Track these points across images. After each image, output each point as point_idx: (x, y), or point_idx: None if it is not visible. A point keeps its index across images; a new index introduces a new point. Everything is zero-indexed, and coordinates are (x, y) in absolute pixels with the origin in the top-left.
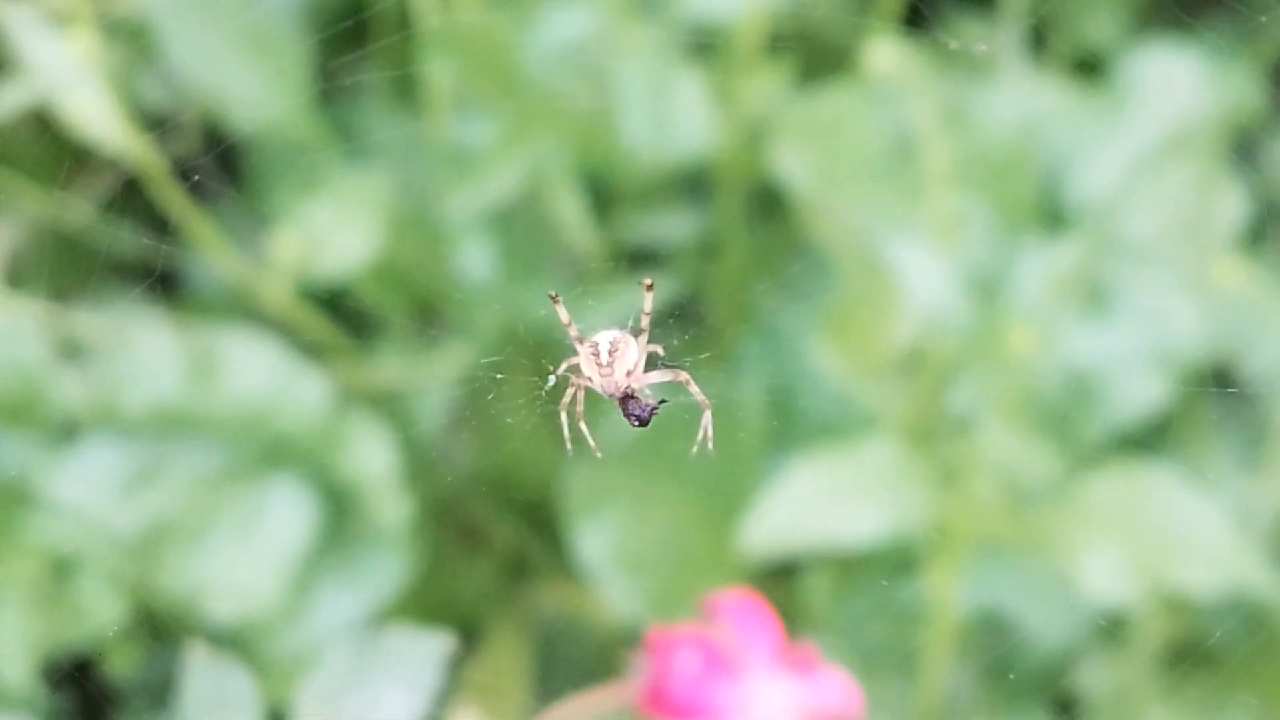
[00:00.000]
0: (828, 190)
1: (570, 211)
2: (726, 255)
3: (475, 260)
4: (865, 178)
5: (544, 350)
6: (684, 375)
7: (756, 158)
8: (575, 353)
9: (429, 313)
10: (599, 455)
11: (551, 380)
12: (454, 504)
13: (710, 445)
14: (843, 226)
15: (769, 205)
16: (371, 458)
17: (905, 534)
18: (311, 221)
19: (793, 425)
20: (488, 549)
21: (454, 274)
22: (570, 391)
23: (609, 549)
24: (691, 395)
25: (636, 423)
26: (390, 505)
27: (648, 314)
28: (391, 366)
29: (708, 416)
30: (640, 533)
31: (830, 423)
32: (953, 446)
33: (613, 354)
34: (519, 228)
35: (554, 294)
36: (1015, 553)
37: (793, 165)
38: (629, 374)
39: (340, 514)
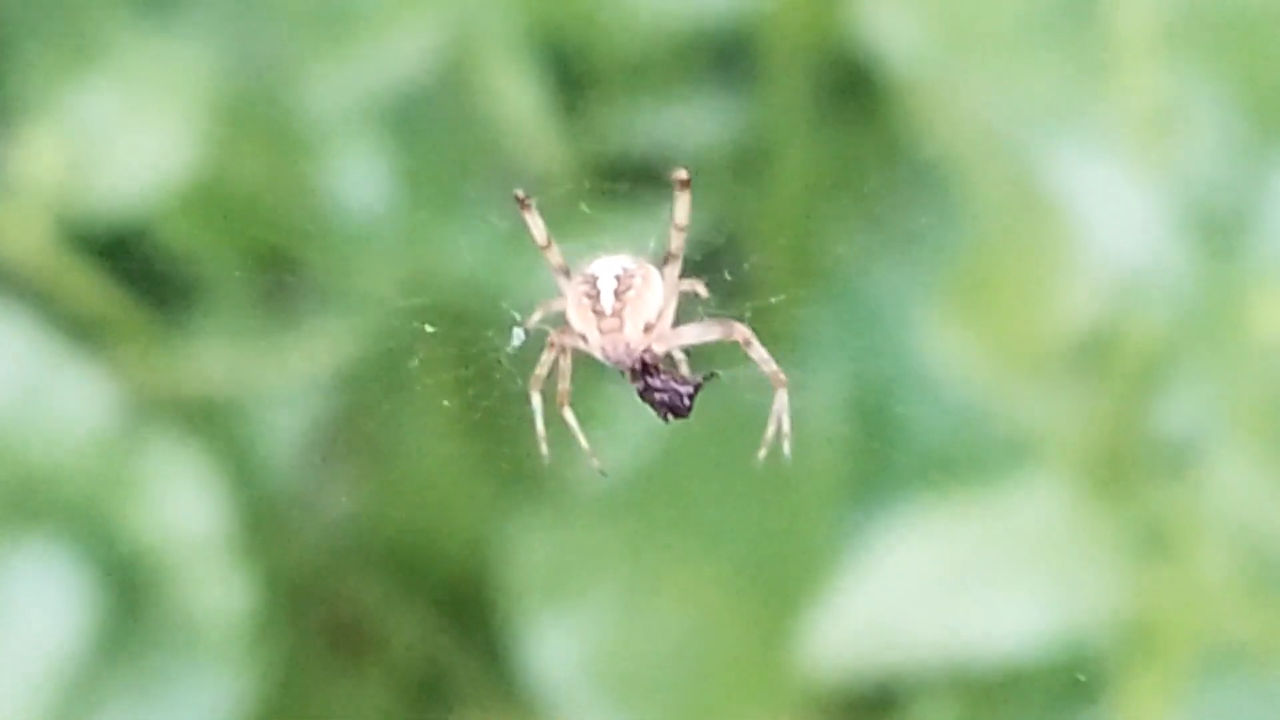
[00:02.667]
0: (951, 67)
1: (519, 100)
2: (781, 173)
3: (360, 182)
4: (1014, 47)
5: (474, 325)
6: (742, 330)
7: (830, 15)
8: (558, 292)
9: (282, 269)
10: (596, 465)
11: (518, 337)
12: (325, 584)
13: (788, 447)
14: (976, 128)
15: (850, 92)
16: (183, 509)
17: (1083, 636)
18: (85, 116)
19: (891, 451)
20: (380, 659)
21: (325, 205)
22: (548, 358)
23: (583, 661)
24: (754, 363)
25: (665, 412)
26: (216, 588)
27: (681, 228)
28: (219, 358)
29: (782, 399)
30: (636, 634)
31: (954, 448)
32: (1163, 491)
33: (622, 294)
34: (433, 129)
35: (523, 195)
36: (1264, 663)
37: (893, 26)
38: (648, 328)
39: (133, 602)
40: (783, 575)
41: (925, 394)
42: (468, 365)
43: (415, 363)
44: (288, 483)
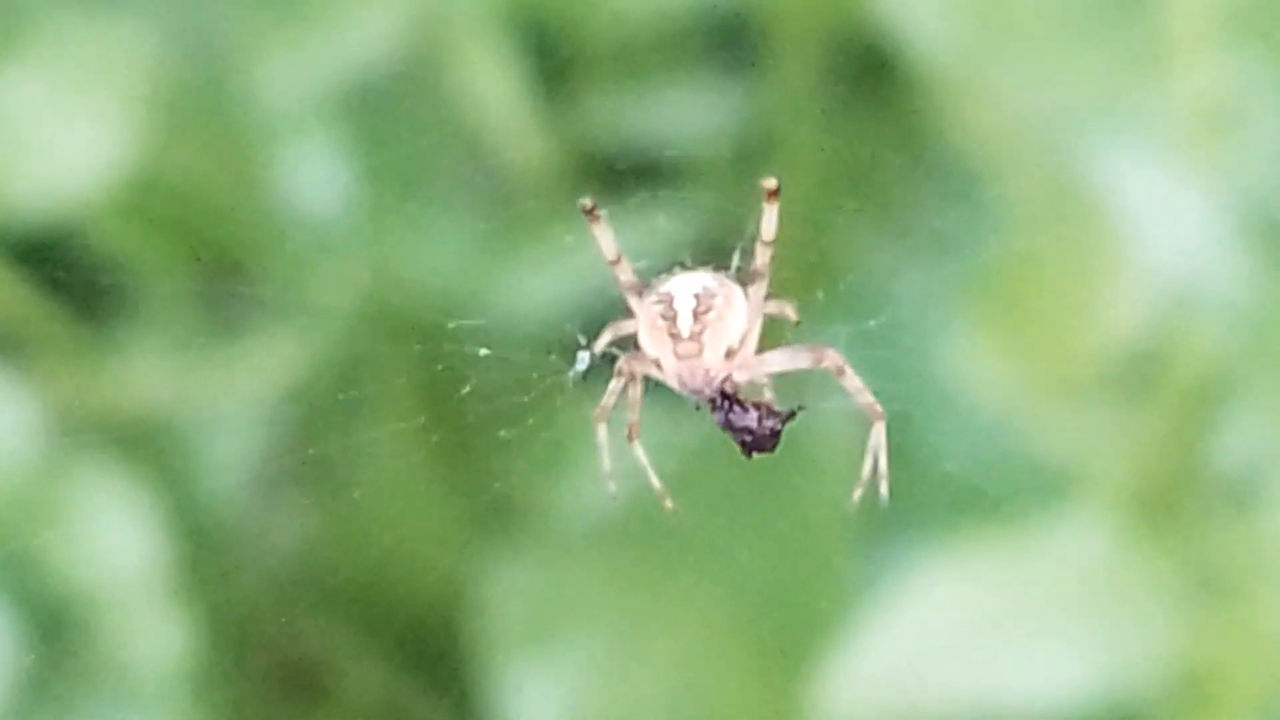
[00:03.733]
0: (983, 53)
1: (496, 88)
2: (788, 167)
3: (316, 180)
4: (1055, 33)
5: (443, 339)
6: (834, 356)
7: None
8: (626, 311)
9: (228, 276)
10: (669, 505)
11: (583, 362)
12: (275, 625)
13: (885, 489)
14: (1011, 120)
15: (866, 77)
16: (116, 543)
17: (1129, 689)
18: (8, 106)
19: (914, 481)
20: (337, 708)
21: (276, 205)
22: (616, 386)
23: (565, 714)
24: (848, 394)
25: (749, 444)
26: (153, 630)
27: (769, 242)
28: (156, 375)
29: (879, 434)
30: (626, 684)
31: (985, 479)
32: (1219, 530)
33: (702, 316)
34: (399, 121)
35: (590, 204)
36: None
37: (916, 6)
38: (730, 354)
39: (62, 645)
40: (791, 619)
41: (952, 417)
42: (437, 386)
43: (376, 380)
44: (233, 513)
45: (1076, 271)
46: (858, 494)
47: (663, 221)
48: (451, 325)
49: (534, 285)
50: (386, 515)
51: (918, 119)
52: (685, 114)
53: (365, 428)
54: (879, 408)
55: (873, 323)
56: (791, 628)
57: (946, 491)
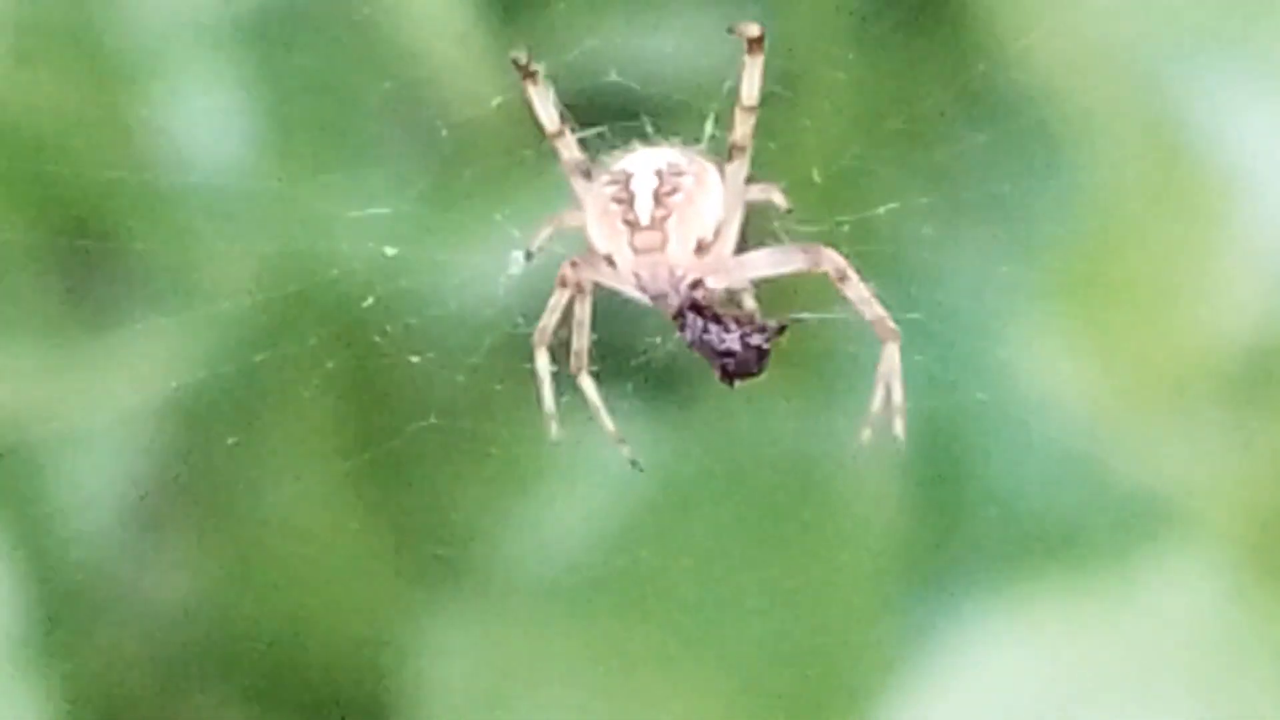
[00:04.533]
0: None
1: (438, 10)
2: (812, 110)
3: (205, 123)
4: None
5: (368, 326)
6: (833, 257)
7: None
8: (573, 197)
9: (93, 246)
10: (627, 453)
11: (517, 261)
12: (153, 702)
13: (900, 426)
14: (1095, 55)
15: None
16: None
17: None
18: None
19: (968, 514)
20: None
21: (155, 154)
22: (558, 299)
23: None
24: (853, 304)
25: (728, 369)
26: None
27: (750, 107)
28: (1, 380)
29: (892, 357)
30: None
31: (1060, 511)
32: None
33: (666, 198)
34: (311, 51)
35: (525, 59)
36: None
37: None
38: (701, 248)
39: None
40: (809, 693)
41: (1018, 434)
42: (362, 386)
43: (284, 385)
44: (100, 557)
45: (1177, 247)
46: (866, 432)
47: None
48: (385, 325)
49: (483, 264)
50: (296, 558)
51: (973, 50)
52: (682, 44)
53: (270, 446)
54: (891, 323)
55: (917, 314)
56: (809, 704)
57: (1010, 527)
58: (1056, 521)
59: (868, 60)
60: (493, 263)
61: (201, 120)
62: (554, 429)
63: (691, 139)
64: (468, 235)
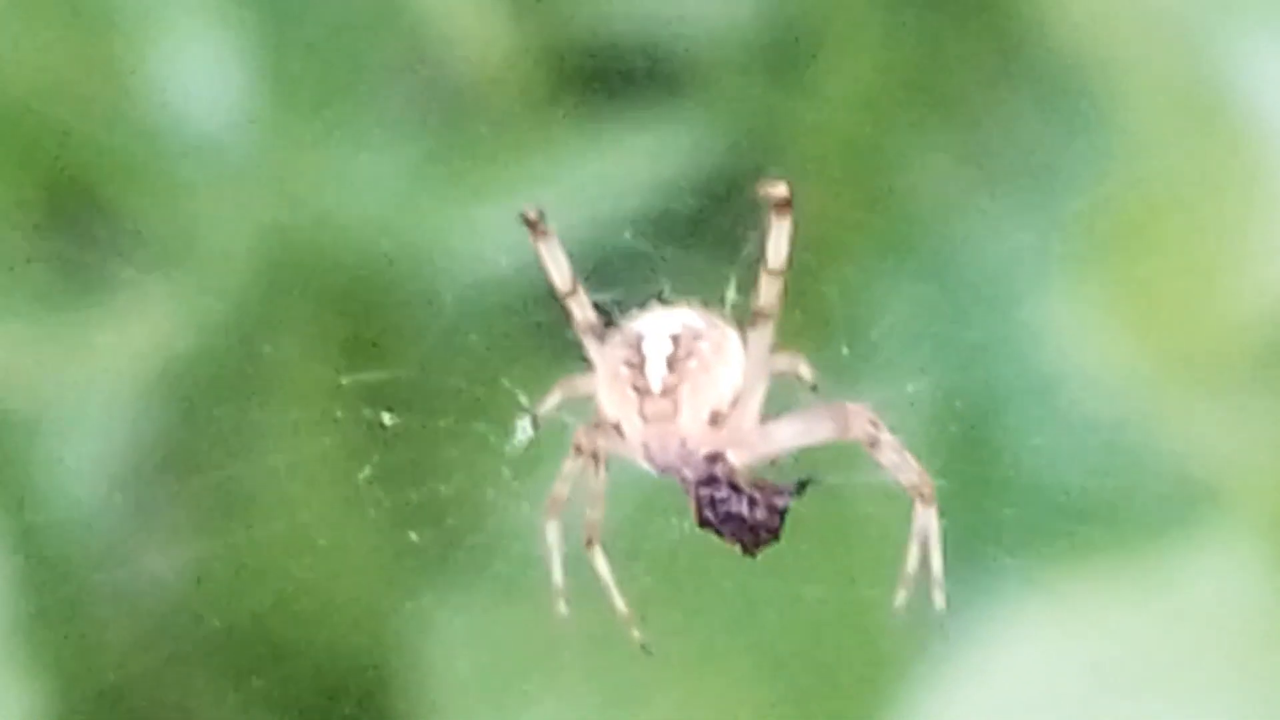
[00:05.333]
0: None
1: None
2: (836, 73)
3: (203, 80)
4: None
5: (377, 291)
6: (862, 422)
7: None
8: (586, 359)
9: (84, 212)
10: (638, 638)
11: (523, 431)
12: (146, 691)
13: (940, 598)
14: (1132, 10)
15: None
16: None
17: None
18: None
19: (998, 495)
20: None
21: (149, 114)
22: (572, 468)
23: None
24: (885, 470)
25: (746, 540)
26: None
27: (776, 272)
28: None
29: (929, 521)
30: None
31: (1094, 492)
32: None
33: (679, 364)
34: (312, 6)
35: (535, 215)
36: None
37: None
38: (716, 419)
39: None
40: (833, 680)
41: (1050, 410)
42: (362, 357)
43: (281, 356)
44: (89, 538)
45: (1214, 214)
46: (901, 596)
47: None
48: (387, 292)
49: (492, 234)
50: (294, 539)
51: (1003, 8)
52: (701, 2)
53: (268, 420)
54: (928, 488)
55: (947, 277)
56: (827, 690)
57: (1041, 509)
58: (1088, 501)
59: (897, 21)
60: (495, 225)
61: (198, 80)
62: (562, 607)
63: (715, 301)
64: (469, 199)
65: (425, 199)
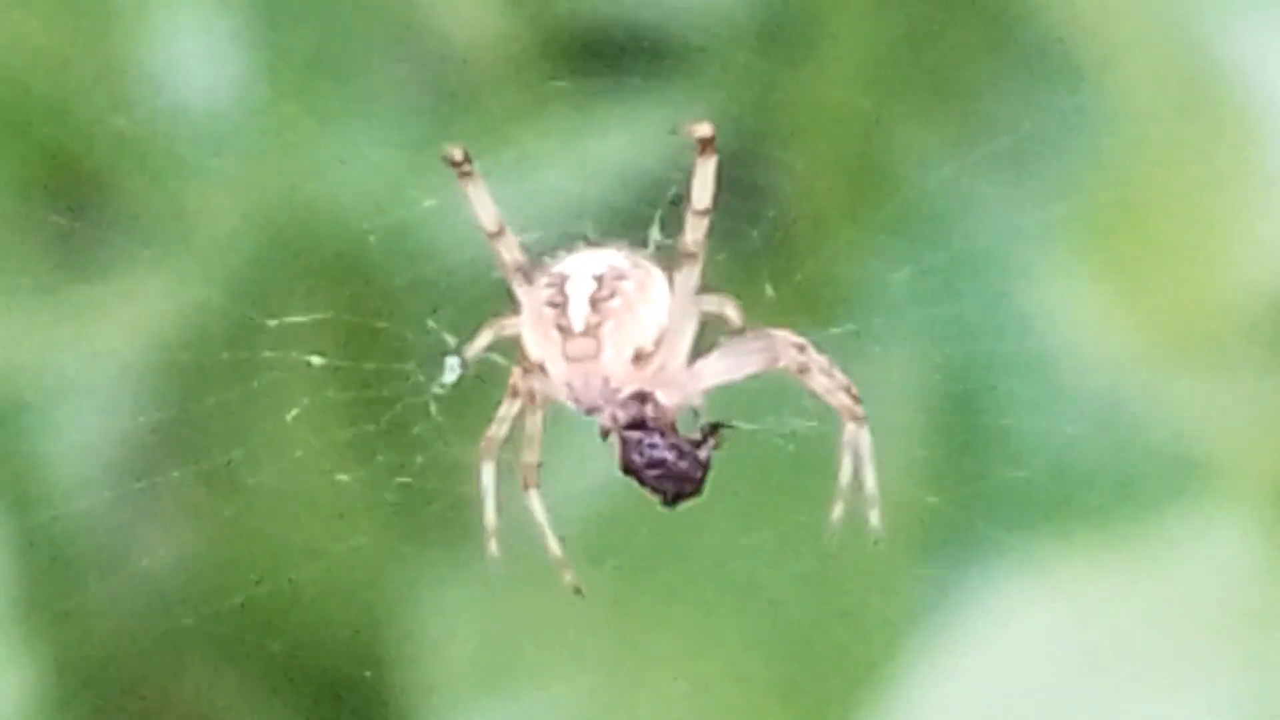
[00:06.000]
0: None
1: None
2: (831, 47)
3: (197, 61)
4: None
5: (371, 271)
6: (790, 349)
7: None
8: (513, 302)
9: (80, 192)
10: (570, 580)
11: (452, 369)
12: (141, 673)
13: (875, 516)
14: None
15: None
16: None
17: None
18: None
19: (990, 470)
20: None
21: (144, 95)
22: (508, 409)
23: None
24: (816, 395)
25: (660, 483)
26: None
27: (701, 211)
28: None
29: (862, 440)
30: None
31: (1087, 467)
32: None
33: (602, 304)
34: None
35: (459, 155)
36: None
37: None
38: (640, 358)
39: None
40: (828, 657)
41: (1044, 385)
42: (361, 337)
43: (277, 335)
44: (86, 517)
45: (1207, 191)
46: (838, 510)
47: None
48: (385, 271)
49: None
50: (292, 519)
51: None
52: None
53: (264, 400)
54: (860, 408)
55: (940, 255)
56: (825, 666)
57: (1034, 485)
58: (1083, 477)
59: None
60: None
61: (194, 63)
62: (494, 547)
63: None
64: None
65: (415, 175)
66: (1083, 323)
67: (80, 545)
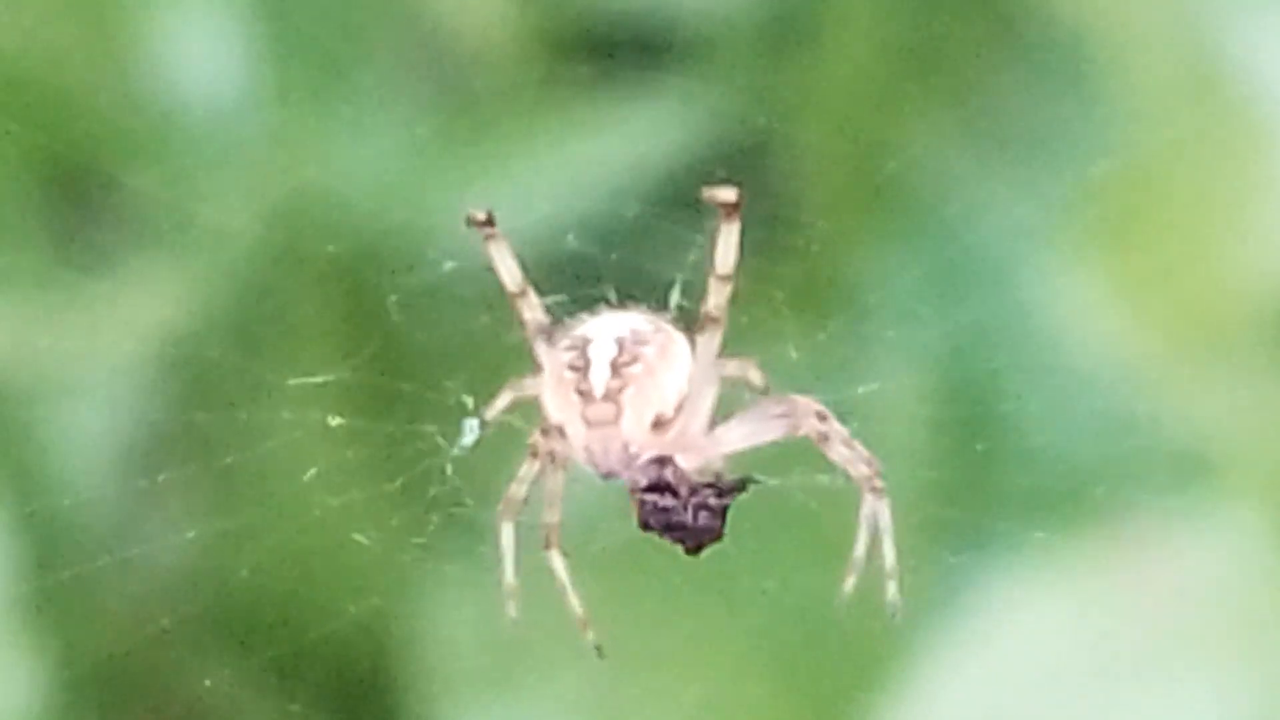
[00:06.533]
0: None
1: None
2: (838, 45)
3: (205, 60)
4: None
5: (379, 271)
6: (811, 419)
7: None
8: (534, 363)
9: (88, 190)
10: (591, 640)
11: (470, 431)
12: (152, 668)
13: (893, 590)
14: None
15: None
16: None
17: None
18: None
19: (996, 468)
20: None
21: (152, 94)
22: (528, 471)
23: None
24: (837, 465)
25: (680, 540)
26: None
27: (724, 276)
28: None
29: (882, 514)
30: None
31: (1095, 466)
32: None
33: (623, 369)
34: None
35: (483, 216)
36: None
37: None
38: (660, 425)
39: None
40: (838, 654)
41: (1051, 385)
42: (368, 335)
43: (286, 333)
44: (91, 514)
45: (1214, 187)
46: (850, 582)
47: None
48: (391, 269)
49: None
50: (299, 516)
51: None
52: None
53: (272, 398)
54: (879, 480)
55: (945, 257)
56: (830, 669)
57: (1039, 482)
58: (1089, 475)
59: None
60: (496, 200)
61: (200, 58)
62: (512, 609)
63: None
64: (471, 171)
65: (423, 174)
66: (1090, 320)
67: (84, 540)
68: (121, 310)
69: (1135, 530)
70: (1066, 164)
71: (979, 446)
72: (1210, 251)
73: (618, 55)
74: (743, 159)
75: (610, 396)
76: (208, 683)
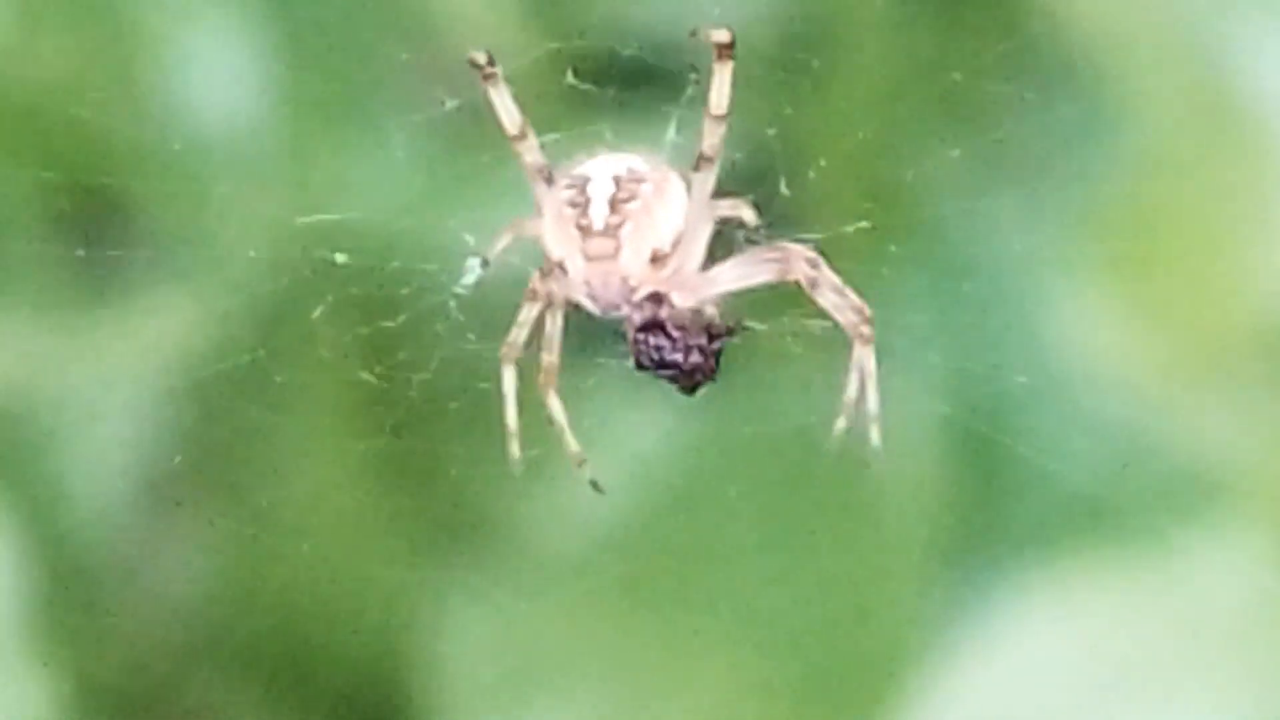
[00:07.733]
0: None
1: None
2: (850, 67)
3: (218, 79)
4: None
5: (392, 284)
6: (803, 265)
7: None
8: (534, 207)
9: (101, 210)
10: (588, 476)
11: (472, 270)
12: (163, 691)
13: (876, 434)
14: (1143, 9)
15: None
16: None
17: None
18: None
19: (1008, 486)
20: None
21: (165, 113)
22: (528, 314)
23: None
24: (825, 311)
25: (674, 380)
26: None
27: (719, 116)
28: (5, 347)
29: (866, 360)
30: None
31: (1104, 484)
32: None
33: (621, 204)
34: (327, 5)
35: (484, 59)
36: None
37: None
38: (658, 260)
39: None
40: (844, 671)
41: (1060, 403)
42: (382, 357)
43: (298, 357)
44: (108, 537)
45: (1222, 210)
46: (841, 424)
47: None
48: (404, 292)
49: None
50: (311, 536)
51: (1018, 4)
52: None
53: (284, 419)
54: (867, 327)
55: (955, 278)
56: (844, 683)
57: (1051, 500)
58: (1098, 495)
59: (908, 17)
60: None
61: (214, 81)
62: (515, 449)
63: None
64: (487, 195)
65: (438, 194)
66: (1100, 342)
67: (101, 562)
68: (138, 335)
69: (1146, 551)
70: (1076, 186)
71: (988, 468)
72: (1219, 274)
73: (628, 77)
74: (756, 174)
75: (609, 231)
76: (221, 702)
